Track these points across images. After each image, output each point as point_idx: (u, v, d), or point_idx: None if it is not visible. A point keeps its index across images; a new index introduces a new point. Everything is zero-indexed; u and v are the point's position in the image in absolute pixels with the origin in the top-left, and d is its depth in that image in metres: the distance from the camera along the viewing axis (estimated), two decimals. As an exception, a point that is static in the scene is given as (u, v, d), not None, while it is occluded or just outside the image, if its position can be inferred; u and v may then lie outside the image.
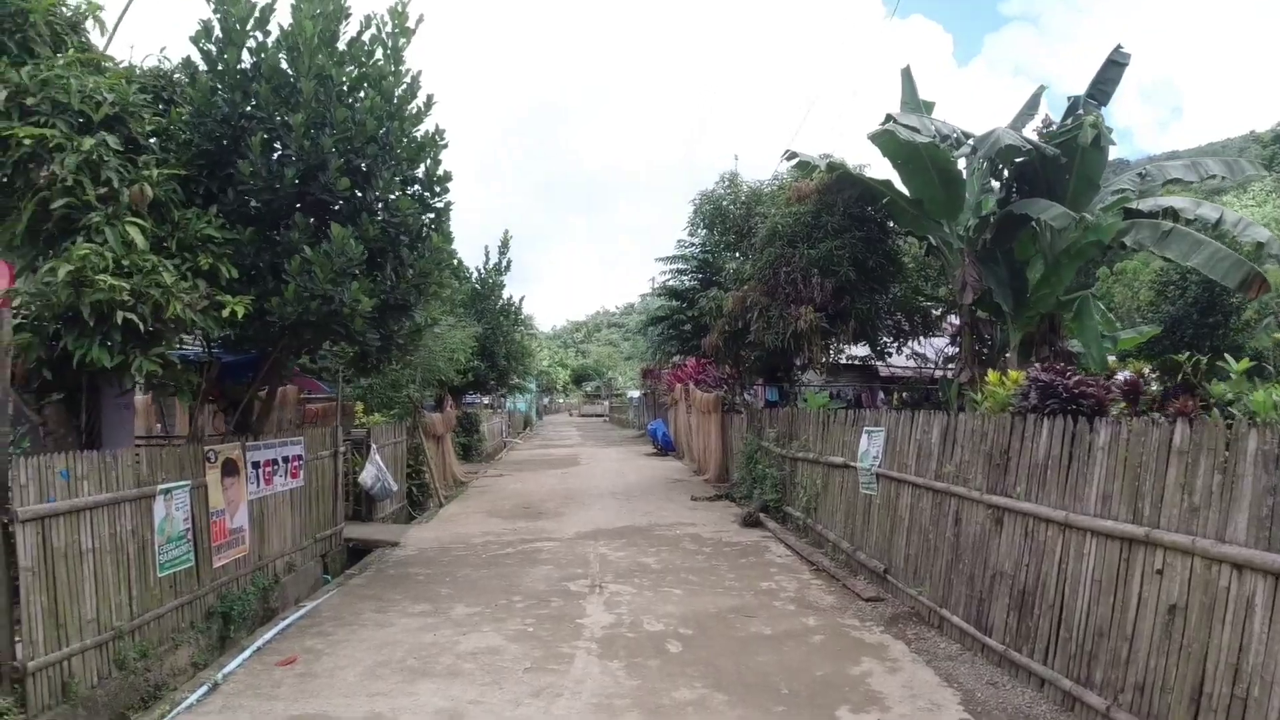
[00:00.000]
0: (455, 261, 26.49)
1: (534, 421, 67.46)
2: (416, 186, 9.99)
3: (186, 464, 8.64)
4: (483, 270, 29.75)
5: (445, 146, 10.05)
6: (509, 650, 7.67)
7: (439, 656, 7.54)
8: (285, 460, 11.09)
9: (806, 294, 16.52)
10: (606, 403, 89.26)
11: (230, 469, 9.53)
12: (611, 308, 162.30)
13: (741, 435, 19.80)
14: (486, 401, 41.35)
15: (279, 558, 10.84)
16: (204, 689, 6.85)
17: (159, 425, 20.47)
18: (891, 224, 17.14)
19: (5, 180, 7.50)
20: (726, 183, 20.69)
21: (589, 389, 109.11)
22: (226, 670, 7.33)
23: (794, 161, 17.30)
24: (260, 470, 10.34)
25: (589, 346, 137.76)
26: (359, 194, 9.07)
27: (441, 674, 7.07)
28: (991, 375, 8.88)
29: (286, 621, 9.02)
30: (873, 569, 10.14)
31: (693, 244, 19.98)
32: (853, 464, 11.14)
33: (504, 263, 30.55)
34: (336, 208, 8.98)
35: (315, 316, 8.48)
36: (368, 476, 14.96)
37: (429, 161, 9.86)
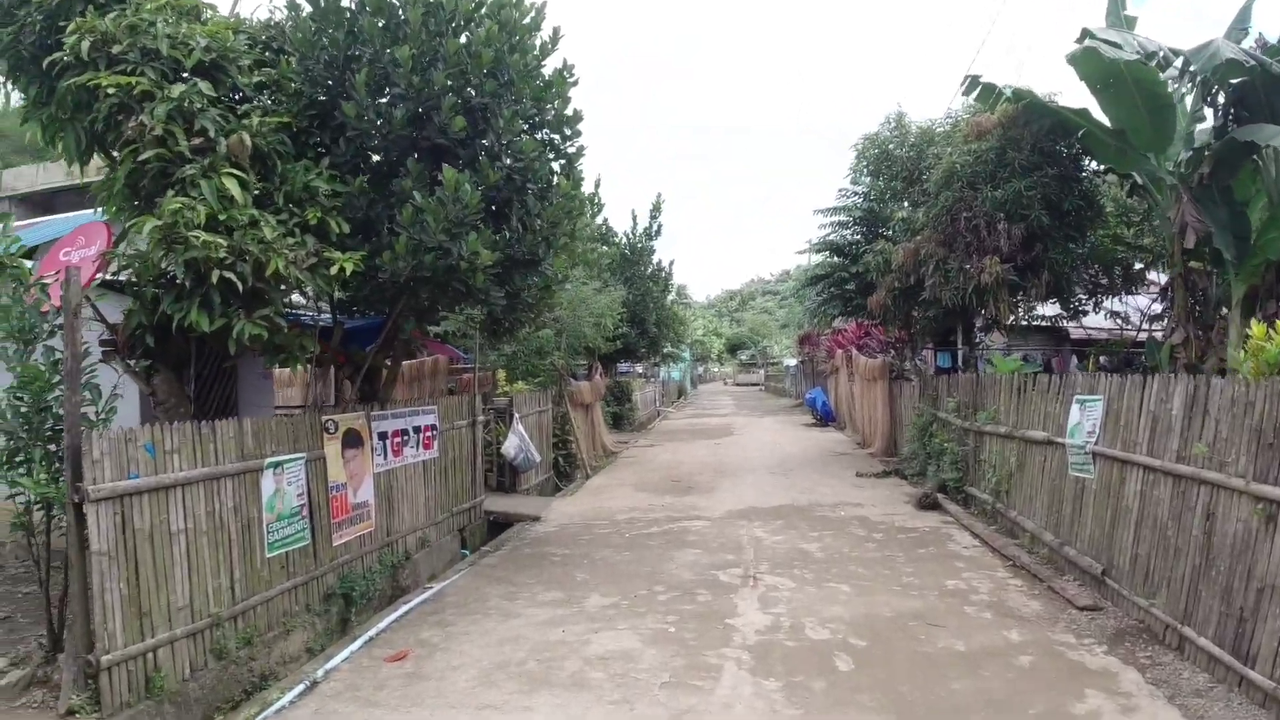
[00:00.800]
0: (591, 214, 25.66)
1: (688, 390, 66.71)
2: (544, 131, 8.92)
3: (302, 435, 8.00)
4: (631, 235, 28.84)
5: (575, 83, 8.91)
6: (645, 656, 6.57)
7: (564, 660, 6.53)
8: (416, 431, 10.44)
9: (990, 243, 14.47)
10: (762, 371, 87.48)
11: (353, 440, 8.89)
12: (766, 275, 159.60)
13: (912, 405, 17.91)
14: (639, 370, 40.76)
15: (410, 533, 10.22)
16: (300, 687, 6.14)
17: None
18: (1088, 161, 14.76)
19: (99, 134, 7.00)
20: (892, 124, 18.64)
21: (744, 357, 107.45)
22: (330, 665, 6.61)
23: (974, 93, 15.14)
24: (388, 441, 9.70)
25: (743, 315, 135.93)
26: (477, 138, 8.11)
27: (565, 684, 6.05)
28: (1256, 328, 6.89)
29: (407, 606, 8.31)
30: (1085, 568, 8.35)
31: (855, 193, 18.13)
32: (1059, 440, 9.32)
33: (654, 227, 29.53)
34: (455, 154, 8.05)
35: (430, 272, 7.61)
36: (510, 447, 14.31)
37: (556, 101, 8.75)
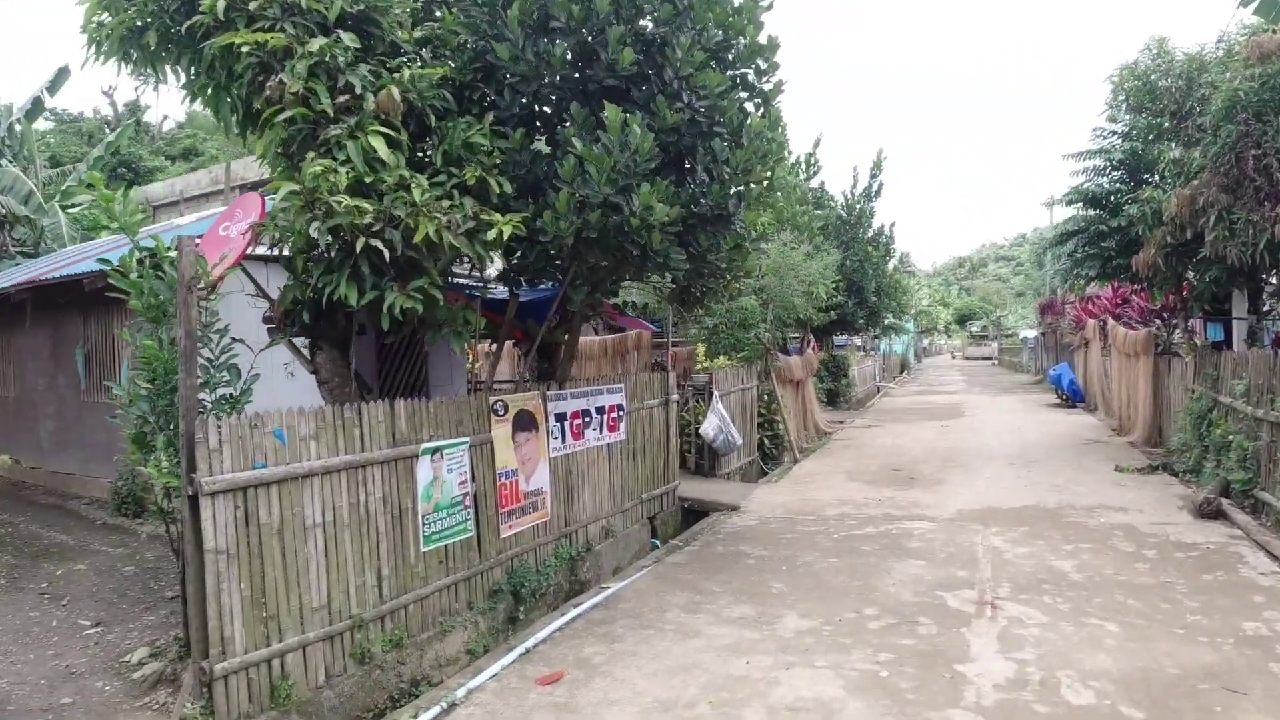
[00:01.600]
0: (805, 173, 23.85)
1: (911, 365, 62.88)
2: (733, 66, 7.60)
3: (466, 417, 7.30)
4: (849, 195, 26.72)
5: (769, 7, 7.52)
6: (847, 712, 5.21)
7: (744, 707, 5.31)
8: (600, 412, 9.57)
9: (1289, 186, 11.56)
10: (995, 344, 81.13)
11: (525, 423, 8.12)
12: (1000, 239, 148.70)
13: (1184, 387, 14.95)
14: (858, 343, 38.39)
15: (592, 522, 9.40)
16: (436, 710, 5.35)
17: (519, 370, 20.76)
18: None
19: (245, 99, 6.53)
20: (1153, 52, 15.48)
21: (974, 329, 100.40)
22: (475, 683, 5.79)
23: (1252, 5, 12.13)
24: (566, 423, 8.87)
25: (974, 282, 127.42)
26: (653, 75, 6.95)
27: (741, 742, 4.85)
28: None
29: (576, 611, 7.41)
30: None
31: (1113, 132, 15.23)
32: None
33: (874, 186, 27.25)
34: (627, 94, 6.94)
35: (596, 232, 6.58)
36: (709, 428, 13.22)
37: (748, 27, 7.39)
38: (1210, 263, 12.93)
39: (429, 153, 6.79)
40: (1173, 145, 14.39)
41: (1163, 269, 13.67)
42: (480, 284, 8.20)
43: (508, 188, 6.84)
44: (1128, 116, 15.19)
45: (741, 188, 7.33)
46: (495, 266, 8.23)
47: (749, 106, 7.65)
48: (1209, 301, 14.83)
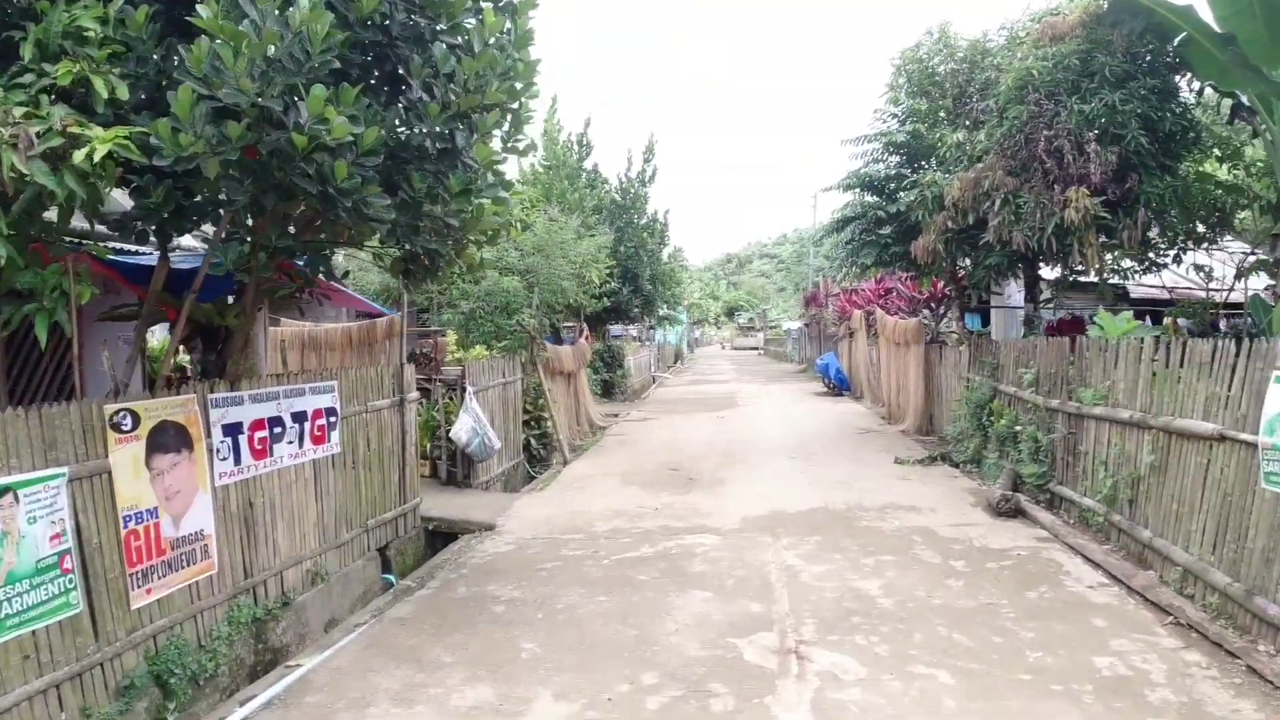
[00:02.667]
0: (576, 156, 22.29)
1: (685, 355, 63.62)
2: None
3: (63, 438, 4.82)
4: (624, 178, 25.42)
5: None
6: None
7: None
8: (299, 419, 7.22)
9: (1077, 169, 11.26)
10: (761, 335, 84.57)
11: (170, 440, 5.68)
12: (764, 238, 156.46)
13: (958, 375, 14.75)
14: (633, 333, 37.53)
15: (290, 567, 7.07)
16: None
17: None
18: (1180, 77, 11.68)
19: None
20: (935, 37, 15.22)
21: (742, 321, 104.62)
22: None
23: None
24: (242, 437, 6.48)
25: (741, 278, 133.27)
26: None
27: None
28: None
29: (243, 713, 5.14)
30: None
31: (893, 114, 14.76)
32: (1239, 436, 6.15)
33: (649, 171, 26.13)
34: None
35: (244, 154, 4.35)
36: (462, 430, 11.12)
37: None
38: (990, 249, 12.56)
39: (16, 45, 4.34)
40: (955, 129, 14.01)
41: (943, 255, 13.18)
42: (121, 244, 5.66)
43: (122, 90, 4.48)
44: (908, 101, 14.72)
45: (473, 113, 5.32)
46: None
47: (487, 6, 5.67)
48: (985, 289, 14.67)
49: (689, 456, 14.31)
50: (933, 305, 18.98)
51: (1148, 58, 11.31)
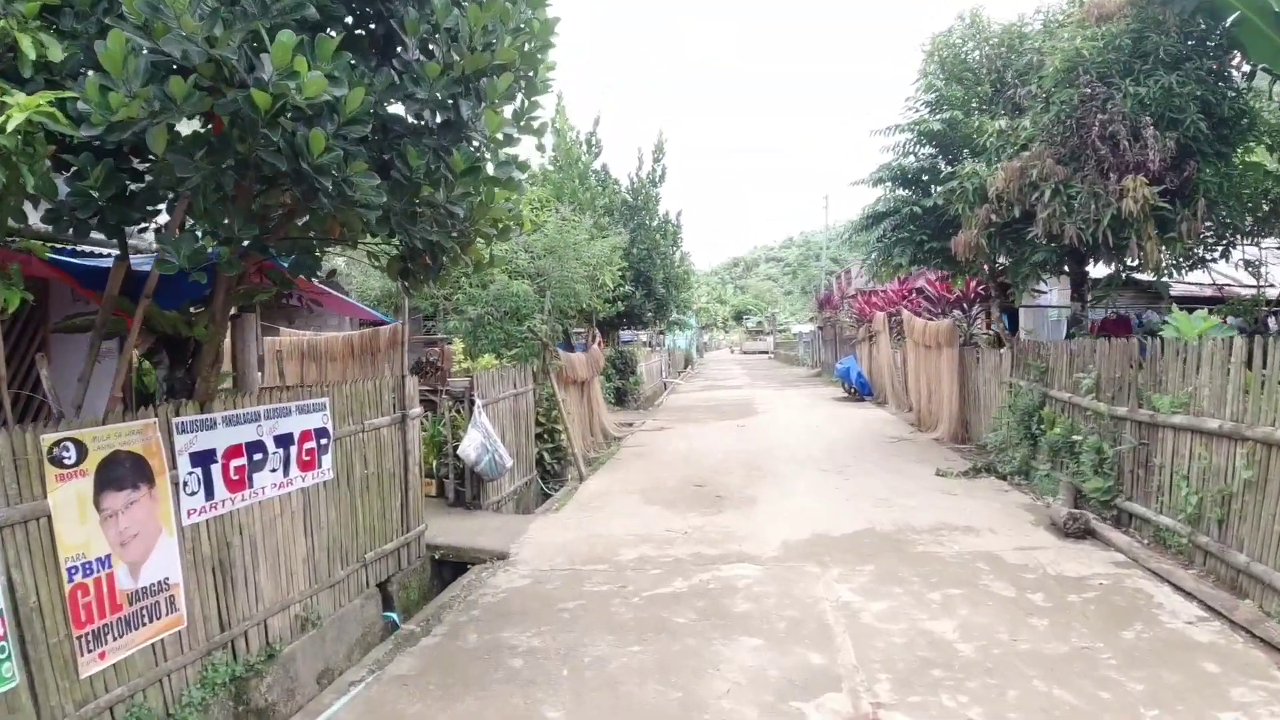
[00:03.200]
0: (587, 154, 21.39)
1: (695, 360, 62.66)
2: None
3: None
4: (634, 178, 24.52)
5: None
6: None
7: None
8: (284, 442, 6.33)
9: (1134, 157, 10.41)
10: (771, 339, 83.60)
11: (125, 474, 4.78)
12: (770, 241, 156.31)
13: (998, 379, 13.80)
14: (644, 338, 36.63)
15: (276, 613, 6.16)
16: None
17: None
18: (1233, 59, 10.84)
19: None
20: (967, 21, 14.32)
21: (750, 325, 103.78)
22: None
23: None
24: (215, 466, 5.58)
25: (747, 281, 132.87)
26: None
27: None
28: None
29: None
30: None
31: (926, 103, 13.81)
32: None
33: (659, 171, 25.23)
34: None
35: (195, 119, 3.47)
36: (470, 447, 10.21)
37: None
38: (1036, 244, 11.65)
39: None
40: (994, 117, 13.09)
41: (985, 251, 12.23)
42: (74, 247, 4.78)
43: (55, 51, 3.64)
44: (942, 84, 13.78)
45: (480, 77, 4.41)
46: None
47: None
48: (1028, 288, 13.72)
49: (712, 470, 13.36)
50: (964, 306, 18.03)
51: (1203, 38, 10.50)
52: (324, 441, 6.81)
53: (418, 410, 8.58)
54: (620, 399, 24.60)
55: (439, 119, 4.32)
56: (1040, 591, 6.94)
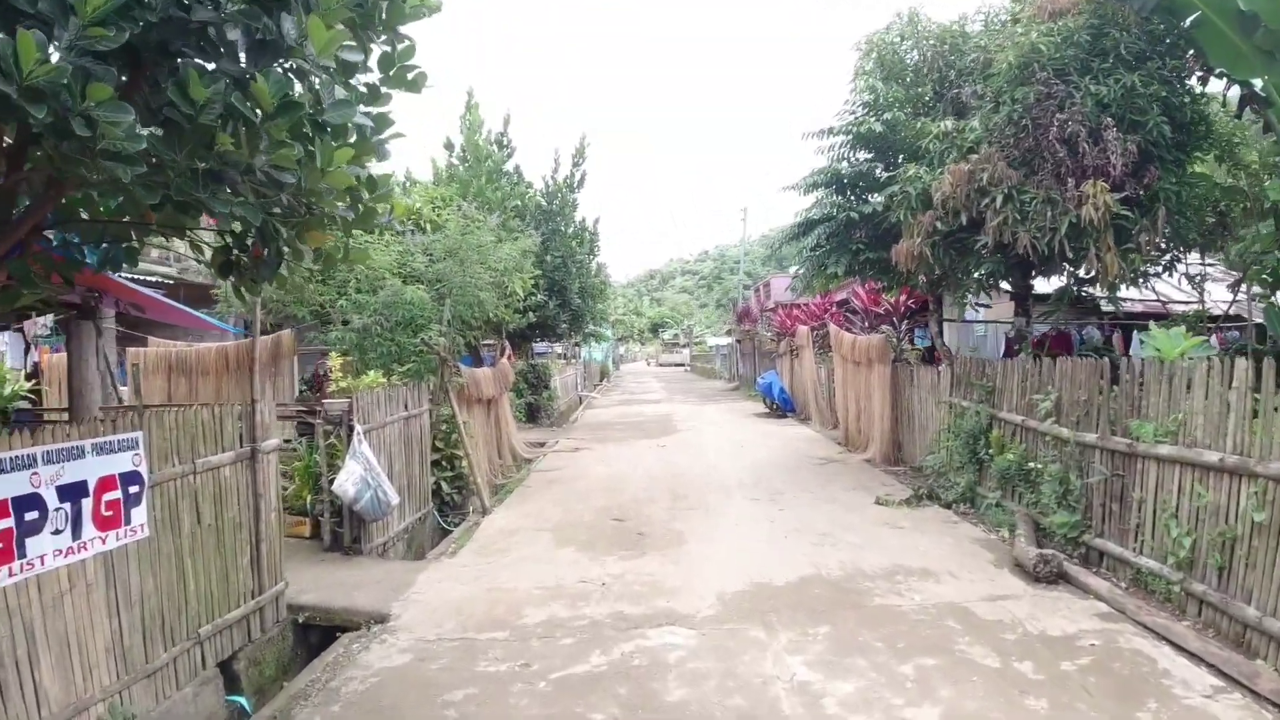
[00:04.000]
0: (484, 130, 19.91)
1: (611, 372, 61.42)
2: None
3: None
4: (550, 181, 23.11)
5: None
6: None
7: None
8: (75, 493, 4.73)
9: (1094, 160, 9.67)
10: (686, 351, 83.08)
11: None
12: (686, 255, 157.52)
13: (938, 399, 12.93)
14: (559, 351, 35.16)
15: (72, 718, 4.55)
16: None
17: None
18: (1191, 61, 10.30)
19: None
20: (905, 20, 13.47)
21: (667, 337, 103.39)
22: None
23: None
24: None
25: (664, 294, 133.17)
26: None
27: None
28: None
29: None
30: None
31: (864, 104, 12.84)
32: None
33: (577, 176, 23.87)
34: None
35: None
36: (348, 482, 8.63)
37: None
38: (983, 255, 10.81)
39: None
40: (935, 119, 12.21)
41: (929, 260, 11.29)
42: None
43: None
44: (880, 85, 12.83)
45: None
46: None
47: None
48: (971, 301, 12.86)
49: (633, 499, 12.04)
50: (894, 320, 17.23)
51: (1162, 37, 9.85)
52: (134, 490, 5.21)
53: (273, 442, 6.99)
54: (533, 415, 23.11)
55: (239, 33, 2.88)
56: (1028, 659, 5.82)
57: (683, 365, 77.67)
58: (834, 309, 24.09)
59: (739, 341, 45.41)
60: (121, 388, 15.89)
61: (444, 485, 11.73)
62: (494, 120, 23.06)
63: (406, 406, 10.47)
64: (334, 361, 11.29)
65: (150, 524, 5.36)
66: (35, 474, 4.50)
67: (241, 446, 6.50)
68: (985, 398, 11.15)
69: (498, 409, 15.99)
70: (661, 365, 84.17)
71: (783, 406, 25.09)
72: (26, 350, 14.29)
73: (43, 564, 4.54)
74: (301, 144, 3.46)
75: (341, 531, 9.16)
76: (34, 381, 12.63)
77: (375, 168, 4.41)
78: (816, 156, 13.19)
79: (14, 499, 4.35)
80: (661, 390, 41.60)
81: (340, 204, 3.84)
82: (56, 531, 4.62)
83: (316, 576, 8.15)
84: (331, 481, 8.84)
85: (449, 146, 21.36)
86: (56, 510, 4.62)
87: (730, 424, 23.14)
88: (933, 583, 7.76)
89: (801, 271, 14.44)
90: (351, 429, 8.88)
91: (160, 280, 10.87)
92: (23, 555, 4.41)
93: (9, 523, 4.31)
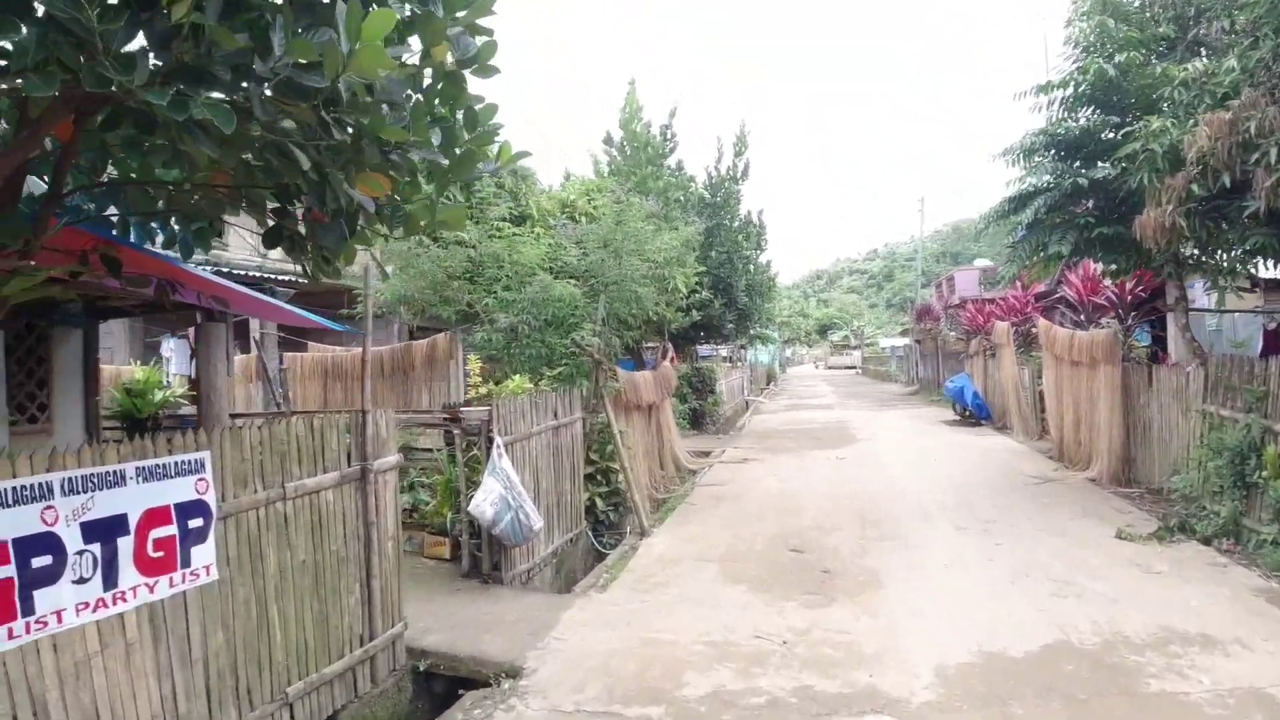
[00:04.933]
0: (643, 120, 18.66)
1: (777, 375, 59.21)
2: None
3: None
4: (713, 172, 21.69)
5: None
6: None
7: None
8: (107, 531, 3.71)
9: None
10: (857, 353, 79.54)
11: None
12: (853, 254, 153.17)
13: (1184, 405, 10.52)
14: (723, 353, 33.69)
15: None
16: None
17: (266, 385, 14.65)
18: None
19: None
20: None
21: (836, 338, 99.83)
22: None
23: None
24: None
25: (830, 295, 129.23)
26: None
27: None
28: None
29: None
30: None
31: (1086, 47, 10.53)
32: None
33: (740, 166, 22.30)
34: None
35: None
36: (486, 502, 7.50)
37: None
38: (1248, 226, 8.53)
39: None
40: (1180, 63, 9.88)
41: (1183, 232, 9.00)
42: None
43: None
44: (1111, 22, 10.52)
45: None
46: None
47: None
48: (1233, 285, 10.32)
49: (813, 524, 10.37)
50: (1120, 311, 14.57)
51: None
52: (197, 524, 4.16)
53: (391, 460, 5.89)
54: (697, 422, 21.74)
55: None
56: None
57: (854, 368, 74.32)
58: (1033, 302, 21.34)
59: (918, 342, 42.27)
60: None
61: (599, 502, 10.51)
62: (658, 113, 21.94)
63: (556, 415, 9.30)
64: (472, 365, 10.32)
65: (221, 564, 4.31)
66: (49, 508, 3.49)
67: (349, 465, 5.43)
68: (1255, 406, 8.76)
69: (659, 416, 14.69)
70: (830, 368, 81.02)
71: (976, 413, 22.47)
72: (192, 356, 14.35)
73: (59, 621, 3.52)
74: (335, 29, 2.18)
75: (481, 556, 8.07)
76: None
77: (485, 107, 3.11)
78: (1032, 115, 10.97)
79: (16, 541, 3.34)
80: (832, 394, 39.25)
81: (411, 139, 2.54)
82: (80, 580, 3.61)
83: (447, 610, 7.06)
84: (469, 500, 7.76)
85: (608, 141, 20.36)
86: (80, 554, 3.60)
87: (915, 432, 20.85)
88: (1220, 656, 5.71)
89: (1014, 254, 12.16)
90: (492, 441, 7.76)
91: (294, 280, 10.22)
92: (29, 612, 3.40)
93: (8, 571, 3.31)
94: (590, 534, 10.28)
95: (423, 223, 3.23)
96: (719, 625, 6.65)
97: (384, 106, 2.56)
